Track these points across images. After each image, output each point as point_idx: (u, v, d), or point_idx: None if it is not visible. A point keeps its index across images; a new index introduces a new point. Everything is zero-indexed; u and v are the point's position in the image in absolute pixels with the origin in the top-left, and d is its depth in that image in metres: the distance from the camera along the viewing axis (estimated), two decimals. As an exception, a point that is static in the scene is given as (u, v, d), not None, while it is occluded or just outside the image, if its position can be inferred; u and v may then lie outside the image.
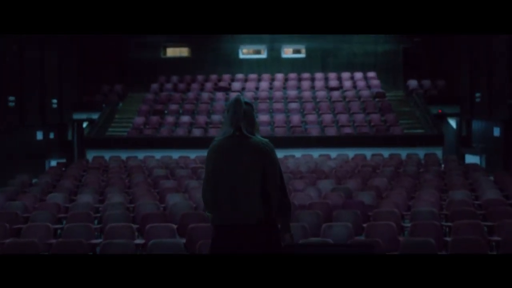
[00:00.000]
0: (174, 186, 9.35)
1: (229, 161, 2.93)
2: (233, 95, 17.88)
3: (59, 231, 6.77)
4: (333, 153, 14.13)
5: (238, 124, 2.95)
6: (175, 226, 6.20)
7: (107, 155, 14.28)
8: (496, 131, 14.82)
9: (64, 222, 6.94)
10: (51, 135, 16.11)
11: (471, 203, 7.51)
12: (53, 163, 14.66)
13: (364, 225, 6.30)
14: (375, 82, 18.58)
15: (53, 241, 5.75)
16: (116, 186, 9.40)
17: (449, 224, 6.35)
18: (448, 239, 5.66)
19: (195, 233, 5.92)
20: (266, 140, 3.01)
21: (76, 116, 17.95)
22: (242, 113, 2.96)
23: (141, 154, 14.25)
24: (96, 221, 7.34)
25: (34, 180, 10.73)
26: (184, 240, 5.81)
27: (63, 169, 12.39)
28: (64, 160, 15.30)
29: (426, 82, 18.77)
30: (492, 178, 10.56)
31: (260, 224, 2.89)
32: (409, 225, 6.32)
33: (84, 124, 18.41)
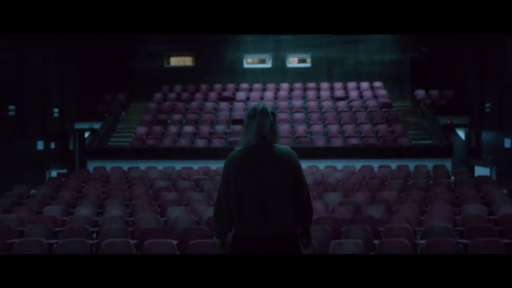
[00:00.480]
0: (175, 198, 9.04)
1: (256, 172, 2.80)
2: (237, 105, 17.66)
3: (55, 245, 6.46)
4: (339, 164, 13.81)
5: (263, 134, 2.84)
6: (175, 242, 5.88)
7: (108, 165, 14.01)
8: (507, 143, 14.45)
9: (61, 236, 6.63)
10: (52, 145, 15.85)
11: (486, 218, 7.15)
12: (54, 173, 14.38)
13: (375, 241, 5.95)
14: (382, 92, 18.27)
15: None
16: (116, 198, 9.09)
17: (465, 241, 5.99)
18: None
19: (196, 249, 5.59)
20: (288, 147, 2.94)
21: (78, 125, 17.71)
22: (269, 123, 2.86)
23: (143, 165, 13.98)
24: (94, 234, 7.03)
25: (32, 191, 10.44)
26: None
27: (63, 179, 12.09)
28: (65, 171, 15.03)
29: (434, 92, 18.44)
30: (505, 191, 10.21)
31: (291, 235, 2.82)
32: (422, 242, 5.97)
33: (86, 134, 18.14)
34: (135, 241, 6.27)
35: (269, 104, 18.39)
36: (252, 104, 17.38)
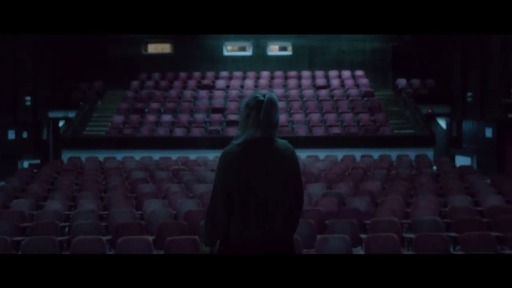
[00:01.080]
0: (153, 190, 8.67)
1: (259, 169, 2.48)
2: (217, 93, 17.26)
3: (23, 241, 6.05)
4: (321, 154, 13.58)
5: (270, 128, 2.53)
6: (151, 239, 5.53)
7: (84, 155, 13.53)
8: (488, 132, 14.39)
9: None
10: (25, 135, 15.25)
11: (474, 210, 6.96)
12: (27, 164, 13.83)
13: (362, 236, 5.70)
14: (364, 81, 18.07)
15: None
16: (90, 190, 8.68)
17: (454, 234, 5.78)
18: (457, 252, 5.08)
19: (174, 246, 5.25)
20: (287, 141, 2.63)
21: (52, 114, 17.10)
22: (277, 116, 2.57)
23: (120, 155, 13.54)
24: (66, 229, 6.64)
25: (0, 183, 9.94)
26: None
27: (35, 171, 11.59)
28: (38, 161, 14.48)
29: (416, 81, 18.31)
30: (488, 181, 10.10)
31: (290, 238, 2.55)
32: (410, 235, 5.74)
33: (61, 123, 17.55)
34: (109, 237, 5.91)
35: (249, 93, 18.12)
36: (232, 92, 17.14)
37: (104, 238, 5.65)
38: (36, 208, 7.60)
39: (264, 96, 2.57)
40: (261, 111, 2.51)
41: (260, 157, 2.47)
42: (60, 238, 5.68)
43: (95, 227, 5.92)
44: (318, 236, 5.34)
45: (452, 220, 6.43)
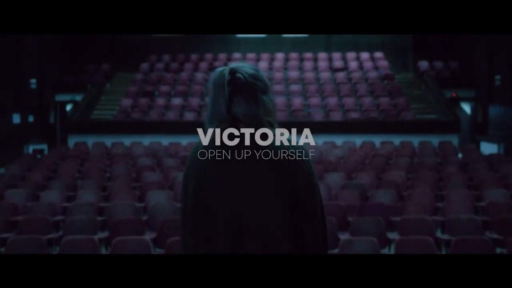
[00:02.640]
0: (159, 180, 8.07)
1: (231, 178, 1.61)
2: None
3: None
4: (339, 140, 12.87)
5: (250, 118, 1.63)
6: (152, 237, 4.92)
7: (91, 140, 12.99)
8: (518, 117, 13.54)
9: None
10: (30, 119, 14.73)
11: (514, 206, 6.24)
12: (32, 150, 13.35)
13: (390, 236, 5.03)
14: (383, 63, 17.20)
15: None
16: (92, 179, 8.11)
17: (496, 236, 5.07)
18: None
19: (176, 247, 4.63)
20: (297, 141, 1.70)
21: (59, 98, 16.56)
22: (252, 100, 1.65)
23: (128, 140, 12.97)
24: (61, 222, 6.06)
25: (0, 170, 9.42)
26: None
27: (38, 156, 11.06)
28: (44, 146, 13.98)
29: (438, 63, 17.39)
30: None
31: None
32: (445, 237, 5.05)
33: (68, 107, 17.02)
34: (105, 235, 5.31)
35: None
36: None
37: (100, 236, 5.05)
38: (33, 199, 7.03)
39: (235, 70, 1.67)
40: (234, 92, 1.63)
41: (234, 163, 1.60)
42: (49, 236, 5.09)
43: (91, 224, 5.32)
44: (341, 238, 4.68)
45: (490, 218, 5.72)
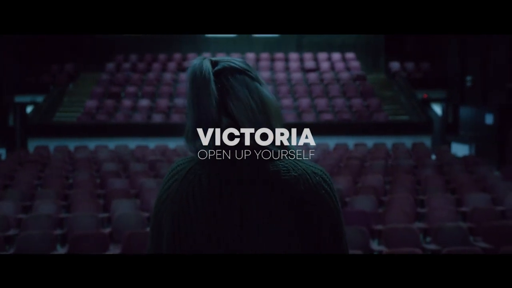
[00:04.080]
0: (124, 187, 7.57)
1: (220, 210, 1.14)
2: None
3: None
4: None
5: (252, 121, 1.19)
6: (116, 252, 4.46)
7: (52, 144, 12.33)
8: (489, 119, 13.51)
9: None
10: (-13, 121, 13.94)
11: (498, 213, 6.01)
12: (-11, 153, 12.57)
13: (373, 247, 4.70)
14: (355, 63, 17.04)
15: None
16: (52, 187, 7.54)
17: (485, 245, 4.81)
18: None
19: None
20: (313, 162, 1.22)
21: (19, 99, 15.76)
22: (254, 96, 1.21)
23: (92, 144, 12.38)
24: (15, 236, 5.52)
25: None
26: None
27: (-5, 162, 10.38)
28: (2, 151, 13.22)
29: (410, 64, 17.35)
30: (497, 173, 9.21)
31: None
32: (432, 247, 4.76)
33: (29, 109, 16.22)
34: (64, 251, 4.81)
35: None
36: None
37: (58, 252, 4.55)
38: (-16, 210, 6.43)
39: (217, 60, 1.24)
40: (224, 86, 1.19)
41: (223, 186, 1.13)
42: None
43: (47, 239, 4.81)
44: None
45: (476, 225, 5.47)
